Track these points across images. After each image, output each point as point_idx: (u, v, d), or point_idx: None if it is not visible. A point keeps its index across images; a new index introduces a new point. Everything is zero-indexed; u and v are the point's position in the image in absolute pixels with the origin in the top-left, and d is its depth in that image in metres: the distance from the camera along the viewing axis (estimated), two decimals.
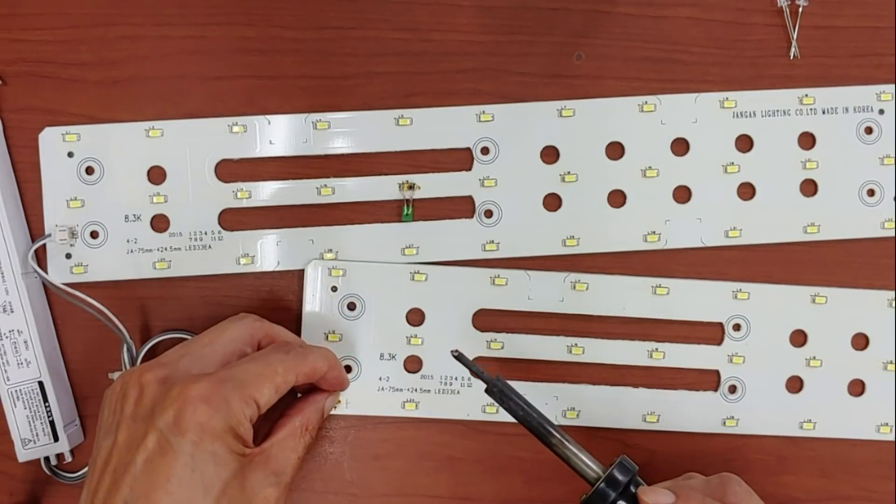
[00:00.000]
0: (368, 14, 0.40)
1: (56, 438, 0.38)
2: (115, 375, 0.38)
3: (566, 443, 0.31)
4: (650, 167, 0.40)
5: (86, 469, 0.39)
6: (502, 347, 0.39)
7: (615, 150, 0.40)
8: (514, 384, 0.39)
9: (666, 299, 0.40)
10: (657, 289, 0.39)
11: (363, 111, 0.39)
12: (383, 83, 0.40)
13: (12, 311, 0.38)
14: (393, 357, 0.39)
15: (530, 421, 0.32)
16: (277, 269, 0.39)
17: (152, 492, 0.29)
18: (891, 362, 0.40)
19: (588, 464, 0.31)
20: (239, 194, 0.39)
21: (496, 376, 0.33)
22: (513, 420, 0.39)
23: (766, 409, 0.40)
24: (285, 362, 0.33)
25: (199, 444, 0.30)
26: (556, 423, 0.39)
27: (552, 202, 0.40)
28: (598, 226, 0.40)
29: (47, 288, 0.39)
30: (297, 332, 0.39)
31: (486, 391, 0.32)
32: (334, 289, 0.39)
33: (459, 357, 0.33)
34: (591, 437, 0.40)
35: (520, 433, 0.40)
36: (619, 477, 0.30)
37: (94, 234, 0.39)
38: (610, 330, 0.40)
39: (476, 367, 0.33)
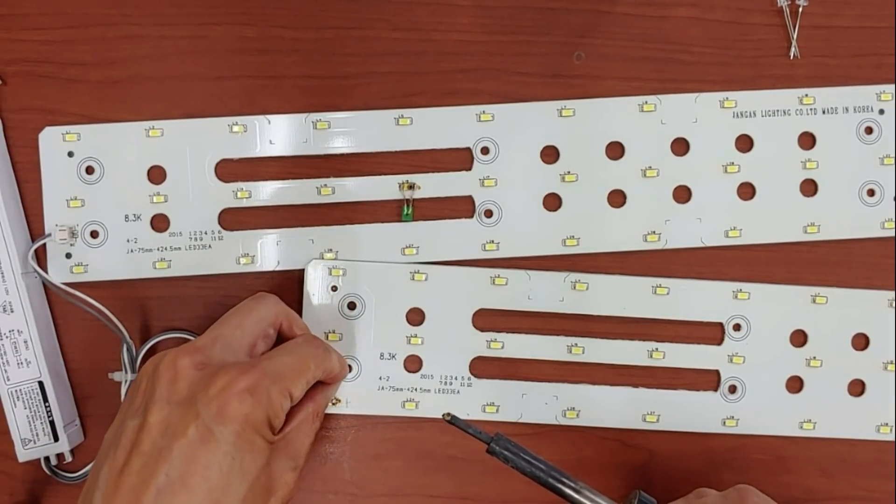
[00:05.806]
0: (368, 14, 0.40)
1: (56, 438, 0.38)
2: (116, 375, 0.38)
3: (581, 490, 0.30)
4: (650, 167, 0.40)
5: (87, 469, 0.39)
6: (502, 347, 0.39)
7: (615, 150, 0.40)
8: (514, 384, 0.40)
9: (666, 299, 0.40)
10: (657, 289, 0.39)
11: (363, 111, 0.39)
12: (383, 83, 0.40)
13: (12, 311, 0.38)
14: (393, 357, 0.39)
15: (539, 475, 0.31)
16: (277, 268, 0.39)
17: (189, 478, 0.29)
18: (891, 362, 0.40)
19: None
20: (239, 194, 0.39)
21: (496, 434, 0.31)
22: (513, 420, 0.40)
23: (766, 409, 0.40)
24: (316, 358, 0.34)
25: (242, 433, 0.30)
26: (557, 422, 0.39)
27: (552, 202, 0.40)
28: (598, 226, 0.40)
29: (47, 288, 0.39)
30: None
31: (488, 451, 0.31)
32: (334, 288, 0.39)
33: (454, 420, 0.32)
34: (591, 437, 0.40)
35: (519, 434, 0.40)
36: None
37: (94, 234, 0.39)
38: (610, 330, 0.40)
39: (473, 428, 0.32)
